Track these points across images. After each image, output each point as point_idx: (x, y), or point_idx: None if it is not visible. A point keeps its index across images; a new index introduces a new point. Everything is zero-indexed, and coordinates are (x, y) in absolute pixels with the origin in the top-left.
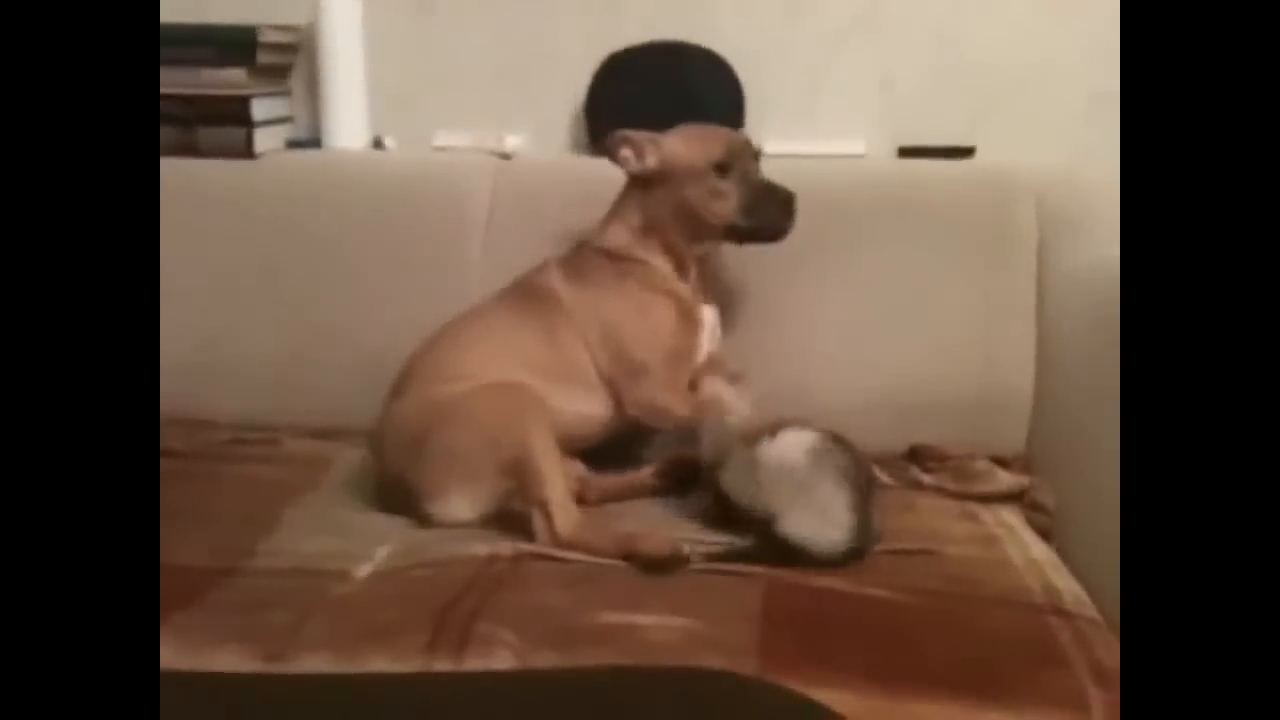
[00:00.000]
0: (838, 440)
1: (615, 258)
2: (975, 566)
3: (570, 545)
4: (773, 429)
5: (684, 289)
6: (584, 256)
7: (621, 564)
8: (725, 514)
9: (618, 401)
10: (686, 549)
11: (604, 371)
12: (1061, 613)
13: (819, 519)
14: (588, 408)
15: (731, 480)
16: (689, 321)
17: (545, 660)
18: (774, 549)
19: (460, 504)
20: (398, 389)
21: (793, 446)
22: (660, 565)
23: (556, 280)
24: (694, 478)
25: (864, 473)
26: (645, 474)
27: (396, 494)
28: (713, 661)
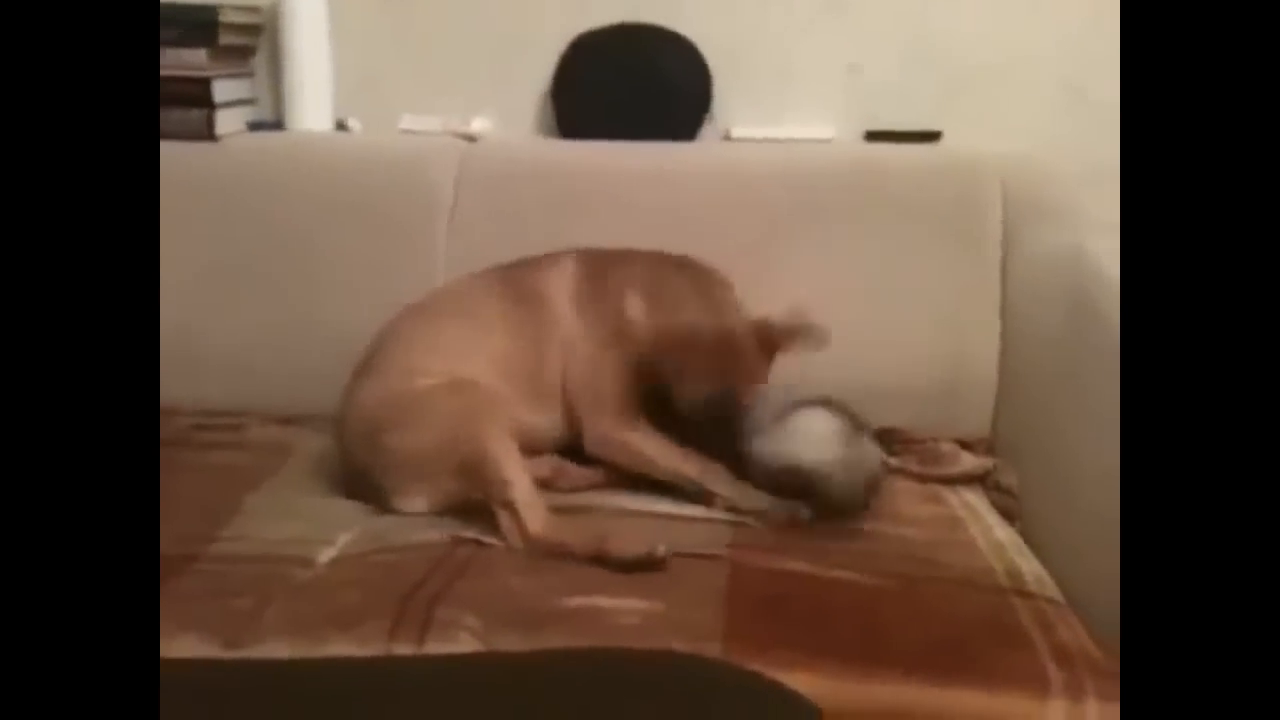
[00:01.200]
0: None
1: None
2: (940, 548)
3: (540, 544)
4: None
5: None
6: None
7: None
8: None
9: (574, 428)
10: (661, 550)
11: (569, 394)
12: (1024, 594)
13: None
14: (548, 423)
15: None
16: None
17: (508, 644)
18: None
19: (420, 501)
20: (366, 367)
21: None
22: (633, 566)
23: (562, 290)
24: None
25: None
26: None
27: (359, 484)
28: (678, 645)
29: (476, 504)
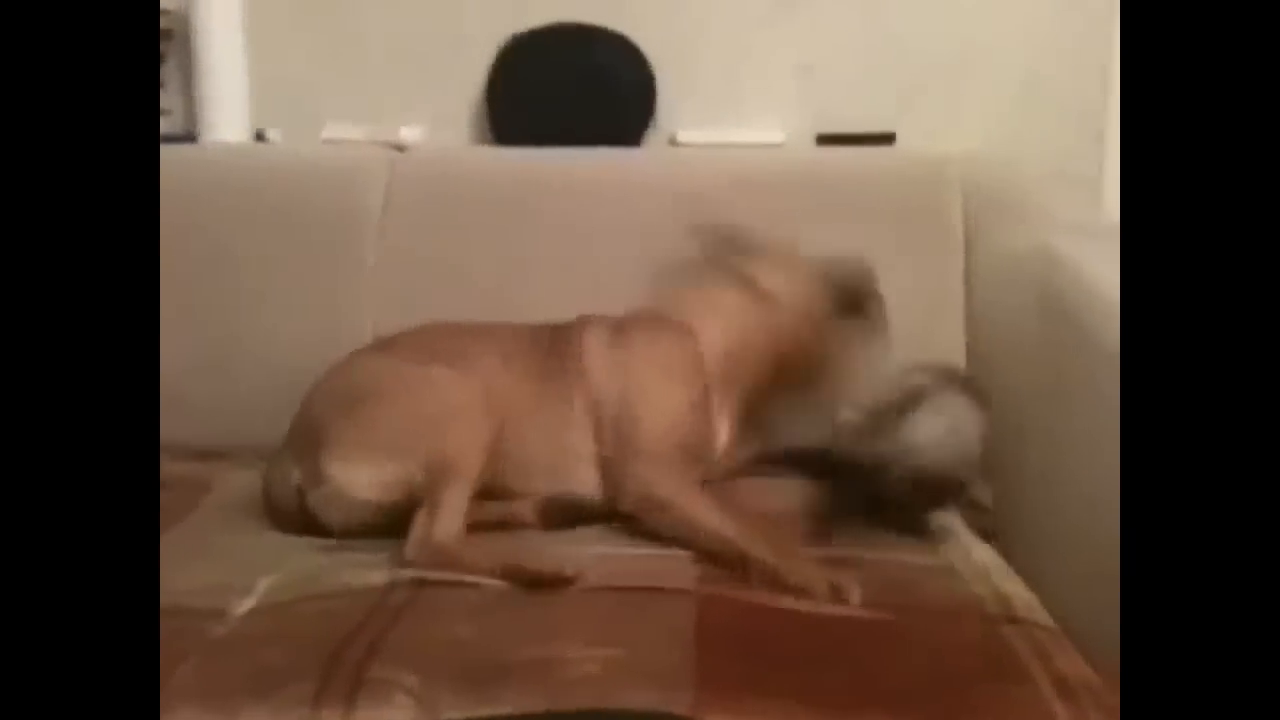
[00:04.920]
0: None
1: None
2: (918, 574)
3: (435, 552)
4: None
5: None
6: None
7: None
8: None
9: (612, 488)
10: (570, 570)
11: (605, 450)
12: (1015, 620)
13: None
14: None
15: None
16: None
17: (451, 707)
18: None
19: (358, 473)
20: (386, 342)
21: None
22: (542, 582)
23: (593, 341)
24: (572, 520)
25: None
26: (525, 506)
27: (299, 439)
28: (644, 696)
29: (402, 509)
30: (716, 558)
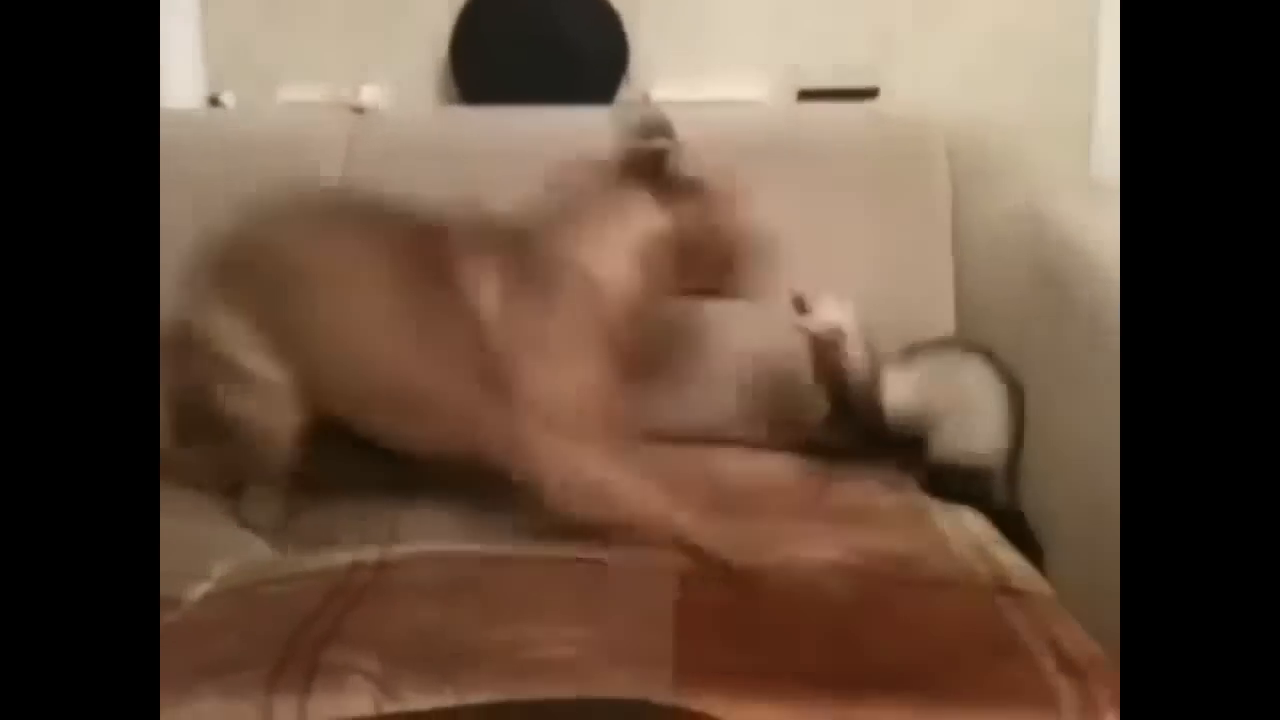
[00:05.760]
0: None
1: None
2: (908, 543)
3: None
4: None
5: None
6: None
7: (508, 564)
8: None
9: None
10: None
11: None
12: (1010, 591)
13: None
14: None
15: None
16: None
17: (412, 691)
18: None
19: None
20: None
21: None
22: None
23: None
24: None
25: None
26: None
27: None
28: (621, 680)
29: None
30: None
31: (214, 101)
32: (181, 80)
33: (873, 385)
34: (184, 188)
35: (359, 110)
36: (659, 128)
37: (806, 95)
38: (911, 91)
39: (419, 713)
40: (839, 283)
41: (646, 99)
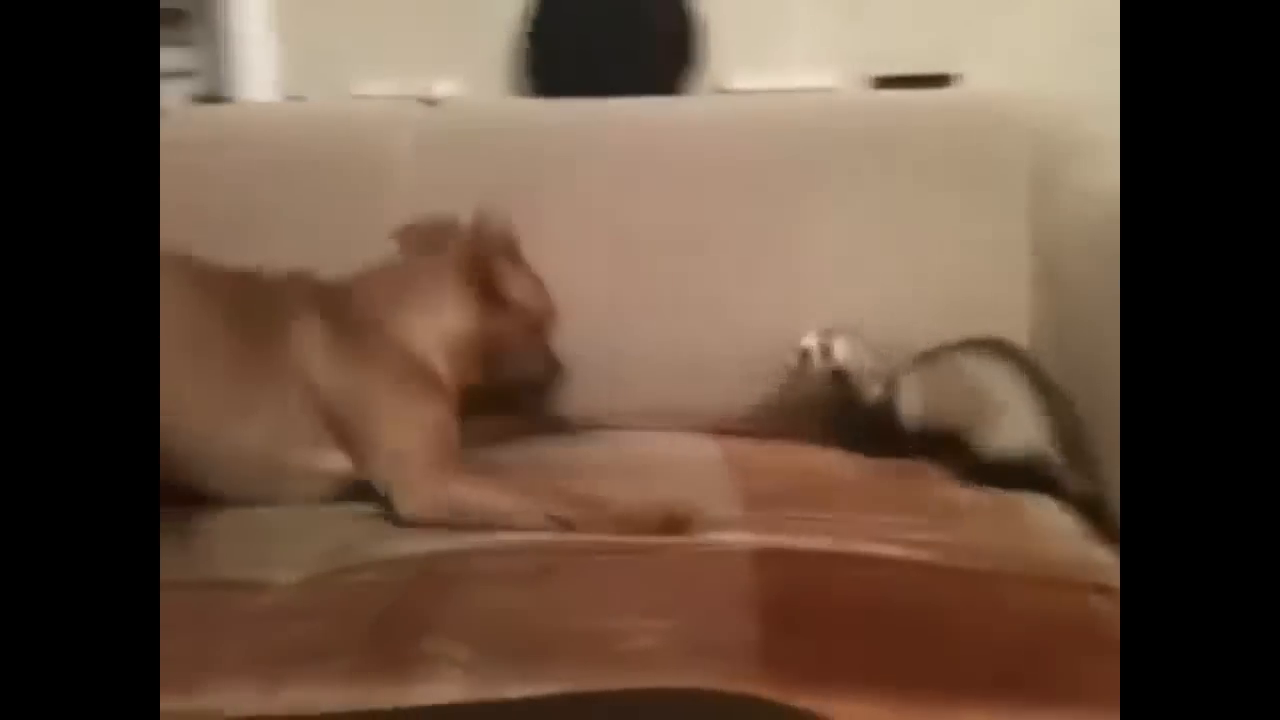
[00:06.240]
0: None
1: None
2: (995, 537)
3: None
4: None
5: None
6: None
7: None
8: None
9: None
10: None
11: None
12: (1105, 589)
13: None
14: None
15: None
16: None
17: (504, 680)
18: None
19: None
20: None
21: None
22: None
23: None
24: None
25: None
26: None
27: None
28: (707, 672)
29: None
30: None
31: (292, 96)
32: (259, 79)
33: (888, 402)
34: (258, 174)
35: (431, 103)
36: (505, 244)
37: (883, 83)
38: (991, 77)
39: (510, 701)
40: (908, 272)
41: (722, 87)
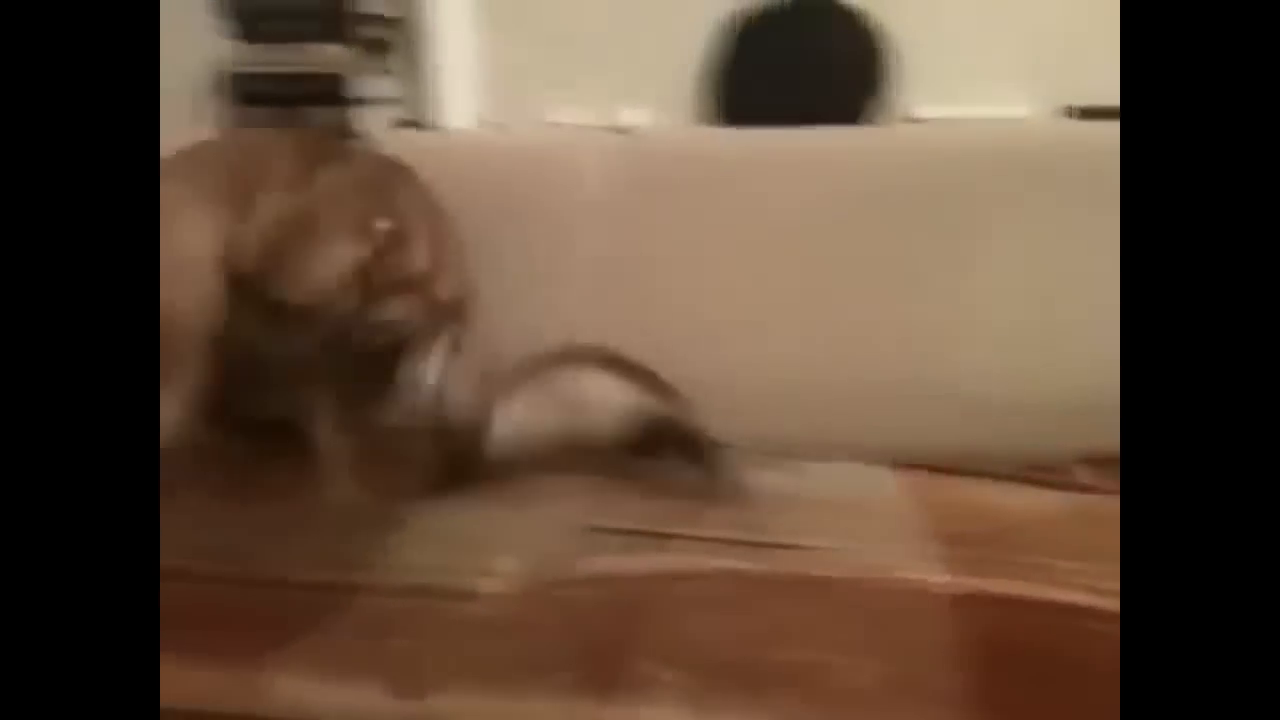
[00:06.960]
0: None
1: None
2: None
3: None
4: None
5: None
6: None
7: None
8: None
9: None
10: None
11: None
12: None
13: None
14: None
15: None
16: None
17: (725, 708)
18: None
19: None
20: None
21: None
22: None
23: None
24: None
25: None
26: None
27: None
28: (922, 718)
29: None
30: None
31: (487, 125)
32: (460, 106)
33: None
34: (451, 202)
35: (621, 131)
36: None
37: (1085, 114)
38: None
39: None
40: (1089, 309)
41: (911, 116)
